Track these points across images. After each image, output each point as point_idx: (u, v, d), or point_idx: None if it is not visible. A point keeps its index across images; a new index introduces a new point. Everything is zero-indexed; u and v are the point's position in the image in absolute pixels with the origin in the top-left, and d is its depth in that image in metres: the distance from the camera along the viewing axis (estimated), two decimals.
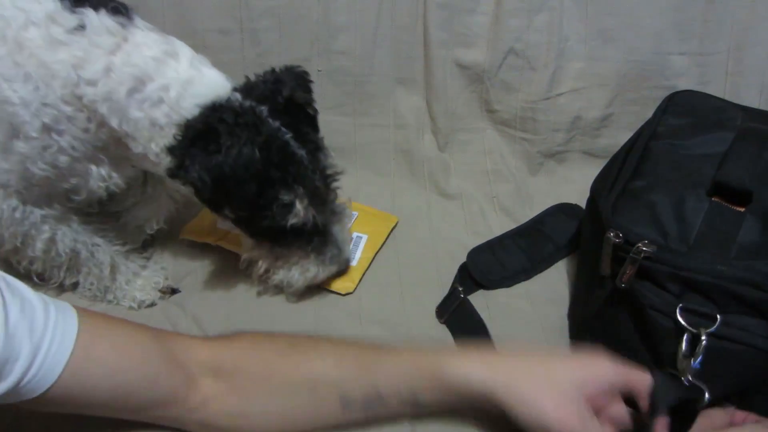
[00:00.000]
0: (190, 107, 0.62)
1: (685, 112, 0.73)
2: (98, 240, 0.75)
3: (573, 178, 0.95)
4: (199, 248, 0.83)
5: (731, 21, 0.90)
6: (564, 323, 0.73)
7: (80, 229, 0.73)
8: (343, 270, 0.77)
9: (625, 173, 0.65)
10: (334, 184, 0.70)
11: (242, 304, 0.75)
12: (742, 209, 0.58)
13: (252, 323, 0.71)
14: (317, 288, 0.76)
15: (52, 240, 0.70)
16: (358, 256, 0.80)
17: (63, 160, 0.64)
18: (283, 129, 0.63)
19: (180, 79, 0.62)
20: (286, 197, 0.64)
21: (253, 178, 0.60)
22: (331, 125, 0.95)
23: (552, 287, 0.78)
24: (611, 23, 0.91)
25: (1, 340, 0.43)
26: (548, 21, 0.91)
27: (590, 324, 0.65)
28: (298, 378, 0.54)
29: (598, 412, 0.52)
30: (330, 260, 0.73)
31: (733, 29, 0.90)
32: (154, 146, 0.64)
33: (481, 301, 0.75)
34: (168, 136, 0.62)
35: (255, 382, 0.54)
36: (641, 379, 0.53)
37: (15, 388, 0.45)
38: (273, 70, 0.68)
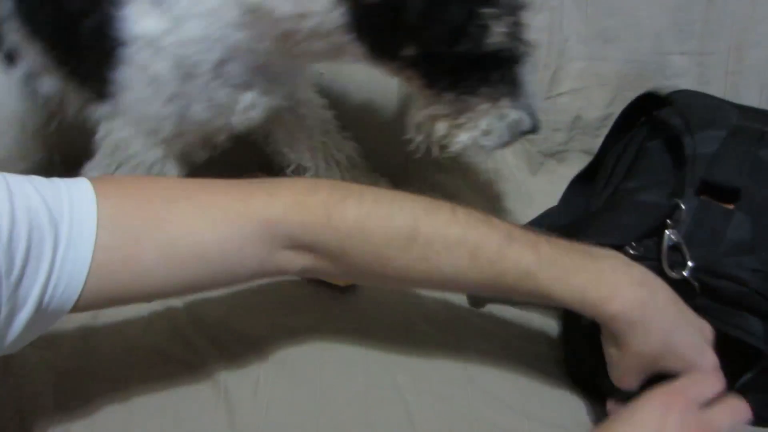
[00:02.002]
0: None
1: (681, 112, 0.73)
2: None
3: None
4: None
5: (731, 21, 0.90)
6: None
7: None
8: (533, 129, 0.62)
9: (618, 173, 0.65)
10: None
11: (242, 300, 0.75)
12: (731, 206, 0.58)
13: (253, 319, 0.71)
14: (316, 284, 0.76)
15: None
16: None
17: (223, 94, 0.62)
18: None
19: None
20: (486, 10, 0.53)
21: None
22: None
23: None
24: (611, 23, 0.91)
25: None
26: (548, 21, 0.91)
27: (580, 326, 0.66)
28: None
29: None
30: (525, 108, 0.60)
31: (734, 29, 0.90)
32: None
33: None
34: None
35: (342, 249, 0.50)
36: None
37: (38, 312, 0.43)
38: None
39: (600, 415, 0.62)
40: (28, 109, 0.73)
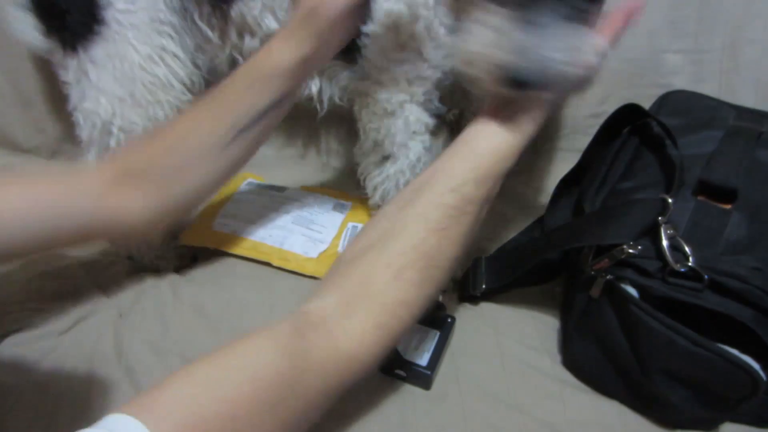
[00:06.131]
0: None
1: (678, 112, 0.73)
2: None
3: None
4: None
5: (726, 19, 0.89)
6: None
7: None
8: None
9: (614, 174, 0.65)
10: None
11: (240, 294, 0.74)
12: (729, 206, 0.58)
13: (251, 314, 0.71)
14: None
15: None
16: None
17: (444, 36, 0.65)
18: None
19: None
20: None
21: None
22: None
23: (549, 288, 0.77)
24: None
25: None
26: None
27: (576, 322, 0.65)
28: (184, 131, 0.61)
29: None
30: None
31: (728, 27, 0.89)
32: None
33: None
34: None
35: (147, 162, 0.60)
36: None
37: None
38: None
39: (597, 413, 0.62)
40: None
